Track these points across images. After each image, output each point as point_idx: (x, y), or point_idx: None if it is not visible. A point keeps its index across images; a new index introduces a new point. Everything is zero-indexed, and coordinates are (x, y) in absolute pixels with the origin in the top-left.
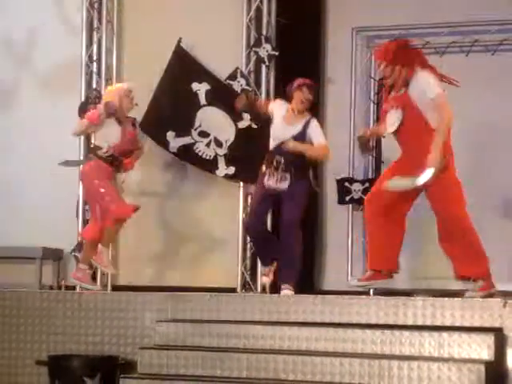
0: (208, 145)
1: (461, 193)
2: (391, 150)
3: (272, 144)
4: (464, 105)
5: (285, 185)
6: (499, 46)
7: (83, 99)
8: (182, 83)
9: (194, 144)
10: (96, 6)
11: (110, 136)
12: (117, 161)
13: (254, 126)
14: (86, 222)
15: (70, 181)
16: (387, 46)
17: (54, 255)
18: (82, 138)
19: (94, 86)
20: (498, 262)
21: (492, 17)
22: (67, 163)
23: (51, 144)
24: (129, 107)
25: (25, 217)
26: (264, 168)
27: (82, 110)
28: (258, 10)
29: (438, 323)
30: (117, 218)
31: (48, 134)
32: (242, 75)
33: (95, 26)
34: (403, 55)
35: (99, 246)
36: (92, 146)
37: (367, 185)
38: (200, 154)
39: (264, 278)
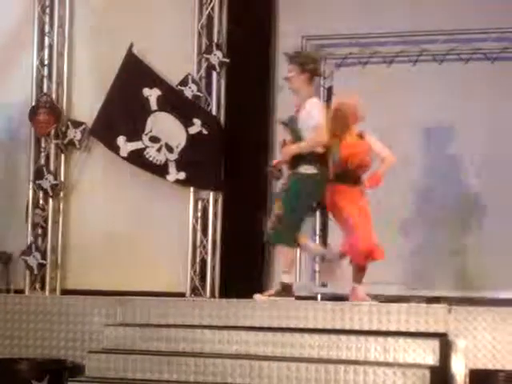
0: (159, 150)
1: None
2: None
3: None
4: (410, 112)
5: None
6: (446, 56)
7: (34, 103)
8: (133, 88)
9: (144, 149)
10: (47, 10)
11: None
12: (350, 178)
13: (205, 132)
14: (34, 226)
15: (20, 185)
16: None
17: (3, 259)
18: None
19: (45, 90)
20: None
21: (439, 26)
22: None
23: (4, 145)
24: (362, 117)
25: None
26: None
27: (33, 114)
28: (210, 18)
29: (384, 328)
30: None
31: None
32: (194, 81)
33: (46, 30)
34: None
35: (352, 283)
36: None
37: None
38: (151, 159)
39: None
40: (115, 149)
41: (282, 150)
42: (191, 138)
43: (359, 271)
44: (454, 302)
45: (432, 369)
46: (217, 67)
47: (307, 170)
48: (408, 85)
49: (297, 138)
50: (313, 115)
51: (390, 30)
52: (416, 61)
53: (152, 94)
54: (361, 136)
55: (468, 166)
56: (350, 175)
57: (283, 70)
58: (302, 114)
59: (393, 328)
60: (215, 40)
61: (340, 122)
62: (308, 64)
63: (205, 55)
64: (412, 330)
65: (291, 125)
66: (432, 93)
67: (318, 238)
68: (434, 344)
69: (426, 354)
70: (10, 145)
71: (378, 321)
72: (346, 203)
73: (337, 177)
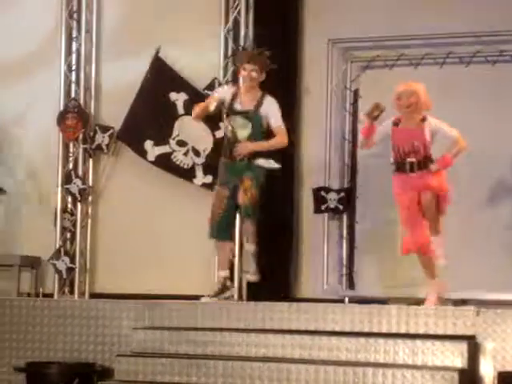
0: (186, 154)
1: None
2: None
3: None
4: (438, 114)
5: None
6: (473, 58)
7: (62, 108)
8: (160, 93)
9: (171, 153)
10: (75, 16)
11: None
12: (404, 166)
13: None
14: (63, 230)
15: (49, 189)
16: None
17: (31, 263)
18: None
19: (73, 95)
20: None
21: (465, 29)
22: None
23: (33, 150)
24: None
25: (2, 225)
26: None
27: (61, 119)
28: (236, 21)
29: (412, 331)
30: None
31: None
32: (220, 85)
33: (74, 35)
34: None
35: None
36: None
37: (343, 194)
38: (178, 162)
39: None
40: (143, 153)
41: (237, 145)
42: (218, 142)
43: (426, 266)
44: (482, 305)
45: (460, 371)
46: None
47: (269, 164)
48: (435, 87)
49: (257, 131)
50: (274, 115)
51: (416, 32)
52: (443, 63)
53: (179, 99)
54: (423, 119)
55: (497, 170)
56: (407, 163)
57: (310, 73)
58: (262, 110)
59: (421, 331)
60: (241, 44)
61: (405, 103)
62: (268, 66)
63: (231, 59)
64: (440, 332)
65: (253, 118)
66: (459, 95)
67: (344, 240)
68: (463, 347)
69: (455, 356)
70: (38, 149)
71: (405, 324)
72: (400, 195)
73: (397, 166)
